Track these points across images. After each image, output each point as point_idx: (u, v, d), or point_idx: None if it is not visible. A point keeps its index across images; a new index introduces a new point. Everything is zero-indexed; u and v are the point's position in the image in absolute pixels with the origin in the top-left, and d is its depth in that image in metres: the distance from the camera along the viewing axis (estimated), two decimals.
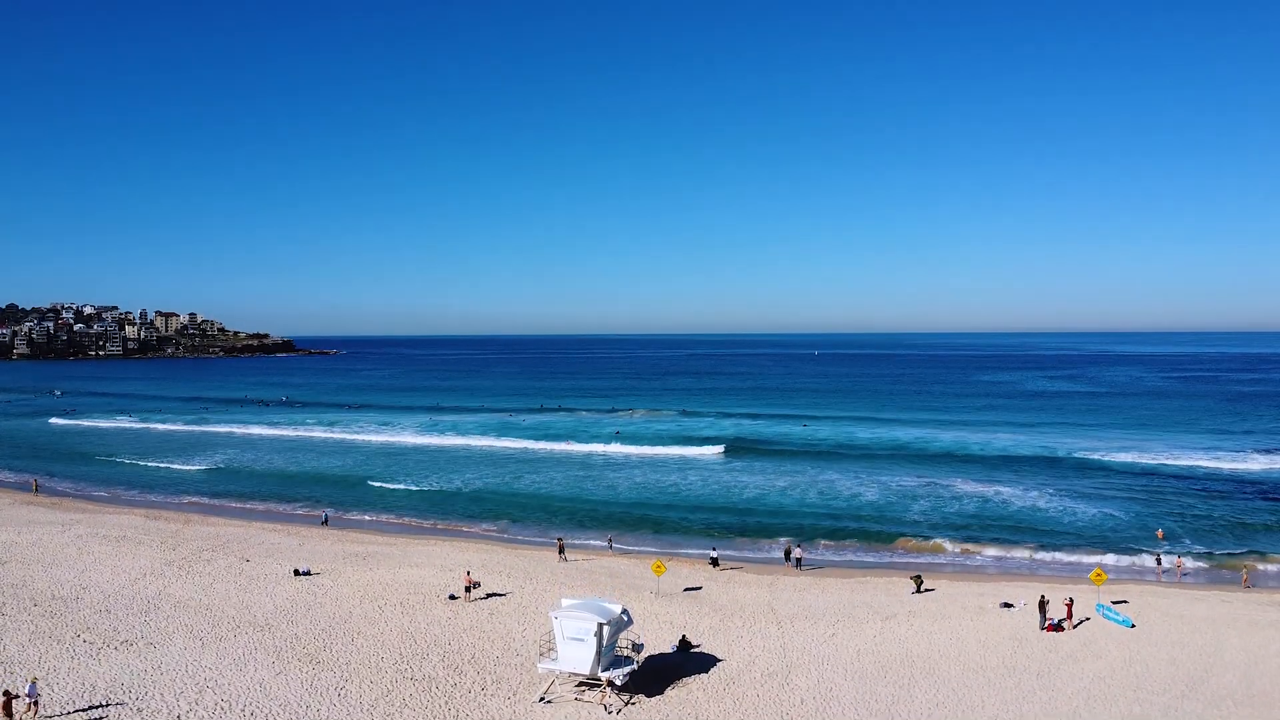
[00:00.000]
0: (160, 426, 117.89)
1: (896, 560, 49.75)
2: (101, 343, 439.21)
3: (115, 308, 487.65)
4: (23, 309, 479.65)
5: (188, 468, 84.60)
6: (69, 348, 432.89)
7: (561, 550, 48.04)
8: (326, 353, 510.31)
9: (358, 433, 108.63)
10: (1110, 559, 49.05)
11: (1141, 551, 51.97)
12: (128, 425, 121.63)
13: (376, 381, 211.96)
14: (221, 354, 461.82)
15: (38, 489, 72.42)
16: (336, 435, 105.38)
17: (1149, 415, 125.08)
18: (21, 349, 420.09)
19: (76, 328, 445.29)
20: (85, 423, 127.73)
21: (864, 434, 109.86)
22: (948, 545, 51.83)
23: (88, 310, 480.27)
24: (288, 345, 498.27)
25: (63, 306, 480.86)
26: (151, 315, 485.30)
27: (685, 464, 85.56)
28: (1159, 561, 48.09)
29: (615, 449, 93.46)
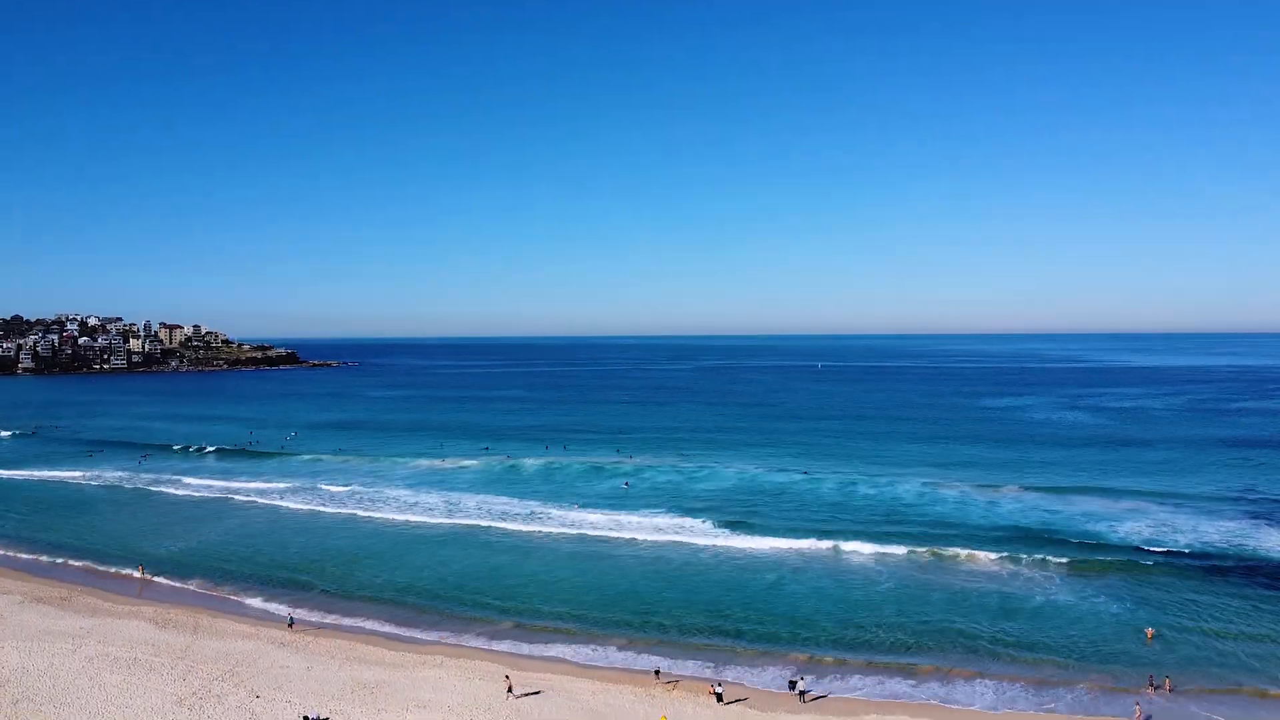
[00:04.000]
0: (154, 488, 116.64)
1: (905, 687, 49.87)
2: (106, 356, 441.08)
3: (119, 319, 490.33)
4: (27, 320, 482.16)
5: (184, 545, 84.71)
6: (74, 361, 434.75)
7: (510, 689, 46.83)
8: (330, 364, 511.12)
9: (354, 500, 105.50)
10: (1111, 686, 49.32)
11: (1139, 657, 52.86)
12: (119, 483, 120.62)
13: (377, 414, 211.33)
14: (225, 367, 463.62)
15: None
16: (342, 511, 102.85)
17: (1153, 465, 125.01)
18: (27, 363, 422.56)
19: (81, 341, 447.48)
20: (81, 473, 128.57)
21: (867, 488, 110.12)
22: (952, 677, 51.57)
23: (92, 321, 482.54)
24: (291, 356, 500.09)
25: (67, 318, 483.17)
26: (155, 327, 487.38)
27: (692, 536, 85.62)
28: (1151, 683, 48.73)
29: (618, 525, 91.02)
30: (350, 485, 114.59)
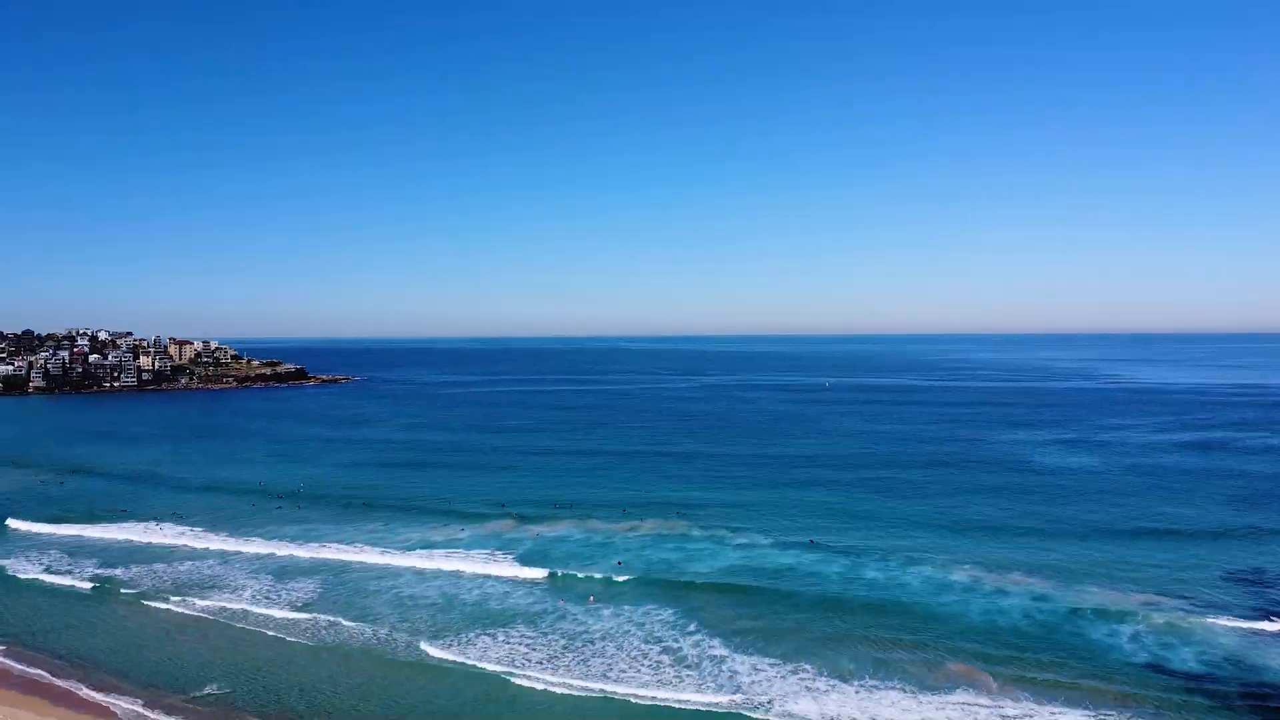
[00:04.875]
0: (149, 588, 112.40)
1: None
2: (116, 374, 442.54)
3: (130, 333, 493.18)
4: (38, 336, 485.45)
5: (174, 670, 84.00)
6: (84, 379, 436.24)
7: None
8: (338, 380, 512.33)
9: (350, 600, 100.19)
10: None
11: None
12: (112, 580, 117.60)
13: (382, 458, 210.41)
14: (235, 384, 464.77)
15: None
16: (335, 621, 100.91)
17: (1163, 539, 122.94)
18: (38, 382, 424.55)
19: (91, 358, 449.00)
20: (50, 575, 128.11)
21: (874, 570, 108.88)
22: None
23: (102, 336, 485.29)
24: (300, 373, 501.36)
25: (78, 333, 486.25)
26: (165, 342, 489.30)
27: (694, 662, 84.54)
28: None
29: (616, 639, 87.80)
30: (348, 576, 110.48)
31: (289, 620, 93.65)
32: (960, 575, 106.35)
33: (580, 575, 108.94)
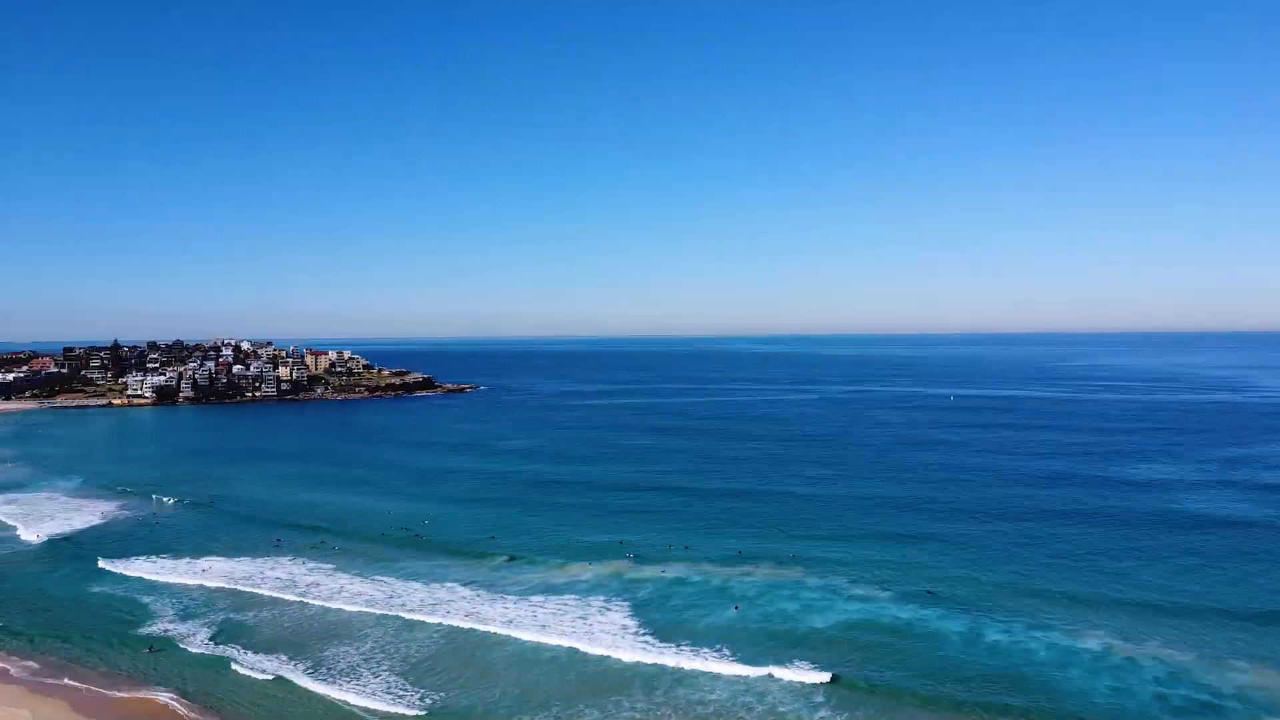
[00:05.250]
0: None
1: None
2: (257, 384, 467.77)
3: (269, 343, 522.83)
4: (188, 346, 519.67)
5: None
6: (228, 389, 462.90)
7: None
8: (464, 389, 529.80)
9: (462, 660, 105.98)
10: None
11: None
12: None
13: (507, 490, 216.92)
14: (366, 394, 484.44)
15: None
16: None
17: None
18: (186, 392, 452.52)
19: (235, 369, 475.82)
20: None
21: (996, 632, 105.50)
22: None
23: (245, 346, 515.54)
24: (428, 382, 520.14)
25: (223, 343, 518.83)
26: (302, 352, 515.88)
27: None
28: None
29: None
30: (473, 631, 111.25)
31: (410, 698, 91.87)
32: (1090, 642, 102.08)
33: (699, 626, 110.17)
